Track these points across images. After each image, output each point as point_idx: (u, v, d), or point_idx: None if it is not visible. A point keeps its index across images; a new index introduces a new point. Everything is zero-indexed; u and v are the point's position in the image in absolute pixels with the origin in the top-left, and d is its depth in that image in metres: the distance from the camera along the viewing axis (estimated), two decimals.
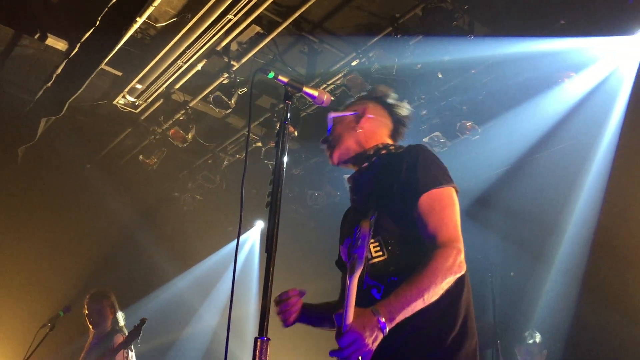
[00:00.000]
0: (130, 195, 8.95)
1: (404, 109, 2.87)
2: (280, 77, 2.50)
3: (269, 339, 2.03)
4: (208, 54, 6.44)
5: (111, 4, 5.22)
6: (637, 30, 5.30)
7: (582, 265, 6.18)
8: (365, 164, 2.67)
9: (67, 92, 6.37)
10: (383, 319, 2.11)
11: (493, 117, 6.50)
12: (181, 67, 6.52)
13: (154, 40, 6.42)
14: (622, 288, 5.96)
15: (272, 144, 7.58)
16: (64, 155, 8.10)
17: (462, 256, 2.28)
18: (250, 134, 6.68)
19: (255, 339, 2.01)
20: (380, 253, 2.43)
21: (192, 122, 7.53)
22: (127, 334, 5.69)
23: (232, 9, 5.61)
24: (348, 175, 2.77)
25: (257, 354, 1.99)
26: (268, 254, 2.14)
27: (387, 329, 2.11)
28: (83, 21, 5.55)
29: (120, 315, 5.99)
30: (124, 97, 7.09)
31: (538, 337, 6.03)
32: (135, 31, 6.07)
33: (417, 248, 2.33)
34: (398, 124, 2.85)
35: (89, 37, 5.61)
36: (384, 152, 2.66)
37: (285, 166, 2.33)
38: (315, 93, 2.58)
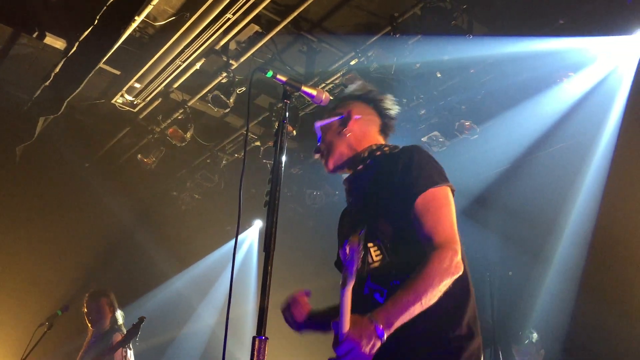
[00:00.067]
0: (128, 194, 8.95)
1: (389, 102, 2.83)
2: (278, 76, 2.50)
3: (267, 338, 2.02)
4: (207, 53, 6.43)
5: (110, 3, 5.21)
6: (636, 30, 5.30)
7: (581, 264, 6.18)
8: (361, 167, 2.65)
9: (66, 91, 6.37)
10: (381, 326, 2.10)
11: (492, 116, 6.50)
12: (180, 66, 6.51)
13: (152, 39, 6.41)
14: (621, 288, 5.96)
15: (271, 143, 7.57)
16: (62, 154, 8.09)
17: (458, 257, 2.27)
18: (249, 133, 6.67)
19: (254, 338, 2.01)
20: (381, 257, 2.41)
21: (190, 121, 7.52)
22: (125, 333, 5.70)
23: (230, 8, 5.60)
24: (344, 178, 2.75)
25: (255, 353, 1.99)
26: (266, 253, 2.14)
27: (386, 336, 2.10)
28: (81, 20, 5.54)
29: (119, 314, 6.00)
30: (122, 96, 7.08)
31: (535, 337, 6.03)
32: (134, 30, 6.06)
33: (416, 250, 2.32)
34: (385, 118, 2.82)
35: (87, 36, 5.60)
36: (378, 153, 2.64)
37: (283, 165, 2.33)
38: (313, 92, 2.57)
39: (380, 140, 2.77)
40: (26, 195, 8.16)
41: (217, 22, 5.78)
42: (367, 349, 2.07)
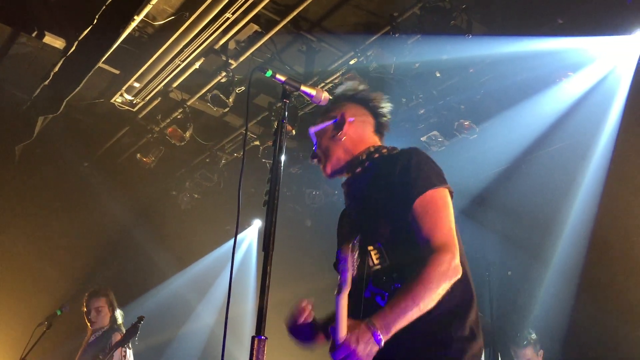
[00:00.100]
0: (127, 193, 8.95)
1: (381, 100, 2.81)
2: (278, 76, 2.49)
3: (266, 338, 2.02)
4: (206, 53, 6.43)
5: (109, 2, 5.20)
6: (635, 30, 5.31)
7: (579, 264, 6.18)
8: (359, 169, 2.64)
9: (65, 90, 6.36)
10: (378, 332, 2.10)
11: (491, 116, 6.50)
12: (179, 65, 6.51)
13: (151, 38, 6.41)
14: (619, 288, 5.97)
15: (270, 143, 7.58)
16: (61, 153, 8.09)
17: (456, 260, 2.26)
18: (248, 133, 6.67)
19: (253, 338, 2.01)
20: (382, 260, 2.40)
21: (189, 120, 7.52)
22: (124, 332, 5.70)
23: (230, 8, 5.60)
24: (343, 181, 2.74)
25: (254, 352, 1.99)
26: (265, 253, 2.14)
27: (383, 341, 2.10)
28: (81, 19, 5.54)
29: (118, 313, 6.00)
30: (121, 95, 7.08)
31: (534, 338, 6.02)
32: (133, 29, 6.07)
33: (417, 252, 2.31)
34: (379, 117, 2.80)
35: (86, 35, 5.60)
36: (376, 155, 2.63)
37: (282, 165, 2.33)
38: (313, 92, 2.57)
39: (377, 141, 2.75)
40: (25, 194, 8.16)
41: (216, 21, 5.77)
42: (363, 355, 2.07)
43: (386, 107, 2.82)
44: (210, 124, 8.13)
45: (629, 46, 5.48)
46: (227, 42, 6.35)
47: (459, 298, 2.35)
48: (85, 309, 5.96)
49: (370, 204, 2.54)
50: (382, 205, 2.47)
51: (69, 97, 6.42)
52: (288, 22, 6.02)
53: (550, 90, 5.94)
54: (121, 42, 6.06)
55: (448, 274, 2.23)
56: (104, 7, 5.28)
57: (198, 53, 6.33)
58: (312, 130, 2.78)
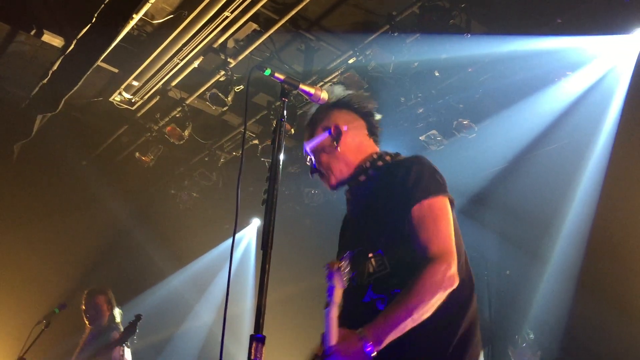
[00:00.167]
0: (126, 192, 8.95)
1: (364, 99, 2.79)
2: (276, 74, 2.48)
3: (264, 337, 2.02)
4: (205, 51, 6.43)
5: (108, 1, 5.20)
6: (634, 29, 5.31)
7: (578, 263, 6.18)
8: (363, 178, 2.61)
9: (63, 88, 6.36)
10: (370, 343, 2.09)
11: (490, 115, 6.50)
12: (178, 64, 6.51)
13: (150, 37, 6.41)
14: (618, 286, 5.97)
15: (269, 142, 7.58)
16: (60, 152, 8.08)
17: (452, 270, 2.22)
18: (247, 132, 6.67)
19: (251, 336, 2.01)
20: (382, 267, 2.39)
21: (188, 119, 7.52)
22: (122, 331, 5.70)
23: (228, 6, 5.60)
24: (346, 189, 2.72)
25: (253, 351, 1.98)
26: (264, 251, 2.13)
27: (375, 352, 2.09)
28: (79, 18, 5.53)
29: (117, 312, 6.00)
30: (120, 94, 7.08)
31: (532, 338, 6.03)
32: (132, 28, 6.06)
33: (415, 259, 2.29)
34: (368, 117, 2.77)
35: (85, 33, 5.59)
36: (380, 163, 2.61)
37: (281, 163, 2.32)
38: (311, 90, 2.56)
39: (374, 146, 2.74)
40: (23, 193, 8.15)
41: (215, 20, 5.77)
42: None
43: (372, 105, 2.80)
44: (209, 123, 8.12)
45: (627, 45, 5.49)
46: (226, 41, 6.36)
47: (462, 306, 2.34)
48: (83, 307, 5.96)
49: (372, 211, 2.52)
50: (383, 213, 2.46)
51: (68, 95, 6.42)
52: (287, 21, 6.02)
53: (549, 89, 5.94)
54: (120, 41, 6.06)
55: (443, 284, 2.20)
56: (103, 5, 5.28)
57: (197, 52, 6.33)
58: (308, 147, 2.72)
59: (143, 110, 7.60)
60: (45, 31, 5.92)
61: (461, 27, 5.65)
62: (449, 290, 2.22)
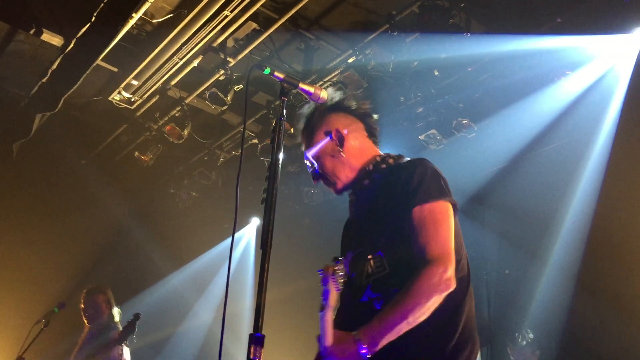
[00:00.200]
0: (125, 191, 8.94)
1: (359, 100, 2.77)
2: (276, 73, 2.48)
3: (263, 335, 2.02)
4: (204, 51, 6.43)
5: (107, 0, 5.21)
6: (634, 29, 5.31)
7: (577, 263, 6.18)
8: (367, 181, 2.61)
9: (63, 88, 6.35)
10: (364, 345, 2.09)
11: (489, 114, 6.50)
12: (177, 63, 6.50)
13: (150, 36, 6.40)
14: (617, 286, 5.97)
15: (268, 141, 7.57)
16: (59, 151, 8.07)
17: (448, 273, 2.22)
18: (246, 131, 6.66)
19: (250, 335, 2.00)
20: (382, 268, 2.39)
21: (187, 118, 7.51)
22: (121, 330, 5.69)
23: (228, 6, 5.59)
24: (350, 191, 2.71)
25: (252, 350, 1.98)
26: (263, 251, 2.13)
27: (369, 355, 2.09)
28: (79, 17, 5.53)
29: (115, 311, 6.00)
30: (119, 93, 7.07)
31: (531, 337, 6.03)
32: (131, 27, 6.05)
33: (414, 261, 2.29)
34: (366, 118, 2.77)
35: (84, 32, 5.59)
36: (383, 166, 2.61)
37: (281, 163, 2.32)
38: (311, 89, 2.56)
39: (374, 147, 2.73)
40: (23, 192, 8.15)
41: (214, 19, 5.77)
42: None
43: (367, 105, 2.79)
44: (208, 122, 8.12)
45: (627, 45, 5.48)
46: (225, 40, 6.35)
47: (457, 306, 2.34)
48: (82, 306, 5.96)
49: (374, 213, 2.52)
50: (385, 215, 2.46)
51: (67, 94, 6.41)
52: (286, 20, 6.01)
53: (548, 88, 5.94)
54: (119, 40, 6.05)
55: (440, 287, 2.19)
56: (102, 4, 5.28)
57: (196, 51, 6.32)
58: (310, 154, 2.70)
59: (142, 110, 7.59)
60: (44, 30, 5.92)
61: (461, 26, 5.64)
62: (445, 293, 2.22)
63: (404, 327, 2.14)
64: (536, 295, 6.55)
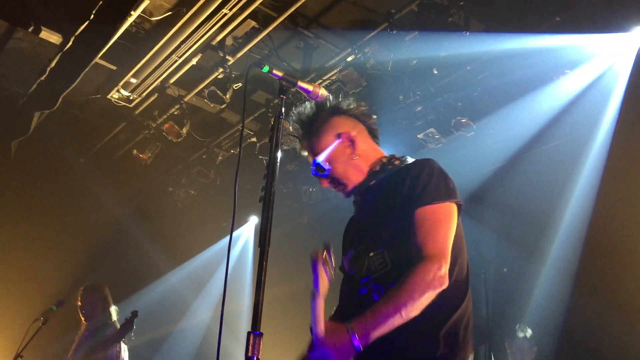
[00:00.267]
0: (124, 189, 8.94)
1: (357, 103, 2.76)
2: (275, 71, 2.47)
3: (261, 334, 2.02)
4: (203, 49, 6.42)
5: None
6: (633, 28, 5.31)
7: (575, 261, 6.19)
8: (373, 181, 2.61)
9: (61, 86, 6.35)
10: (357, 337, 2.10)
11: (488, 113, 6.50)
12: (176, 61, 6.50)
13: (148, 34, 6.40)
14: (615, 285, 5.98)
15: (267, 140, 7.57)
16: (57, 149, 8.07)
17: (442, 271, 2.23)
18: (245, 129, 6.65)
19: (248, 333, 2.01)
20: (384, 264, 2.40)
21: (186, 116, 7.51)
22: (119, 328, 5.69)
23: (227, 4, 5.59)
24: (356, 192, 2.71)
25: (250, 348, 1.99)
26: (261, 249, 2.13)
27: (362, 346, 2.10)
28: (77, 15, 5.53)
29: (113, 309, 5.99)
30: (118, 91, 7.07)
31: (529, 333, 6.05)
32: (130, 25, 6.05)
33: (412, 257, 2.31)
34: (367, 120, 2.76)
35: (83, 30, 5.59)
36: (389, 167, 2.61)
37: (279, 161, 2.32)
38: (310, 88, 2.56)
39: (378, 149, 2.73)
40: (21, 190, 8.14)
41: (213, 17, 5.77)
42: (340, 357, 2.08)
43: (365, 107, 2.78)
44: (207, 121, 8.12)
45: (626, 43, 5.49)
46: (224, 38, 6.35)
47: (451, 307, 2.35)
48: (79, 304, 5.95)
49: (378, 213, 2.53)
50: (389, 213, 2.47)
51: (66, 92, 6.41)
52: (285, 18, 6.01)
53: (547, 87, 5.95)
54: (118, 38, 6.04)
55: (433, 283, 2.20)
56: (101, 2, 5.28)
57: (195, 49, 6.32)
58: (321, 160, 2.64)
59: (141, 108, 7.59)
60: (43, 28, 5.91)
61: (460, 24, 5.64)
62: (439, 290, 2.23)
63: (397, 321, 2.15)
64: (534, 294, 6.56)
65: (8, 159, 7.48)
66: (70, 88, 6.36)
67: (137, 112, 7.70)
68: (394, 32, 5.85)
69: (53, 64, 6.12)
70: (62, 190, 8.50)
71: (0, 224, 7.78)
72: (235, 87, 6.79)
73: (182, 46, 6.21)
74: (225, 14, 5.74)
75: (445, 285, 2.24)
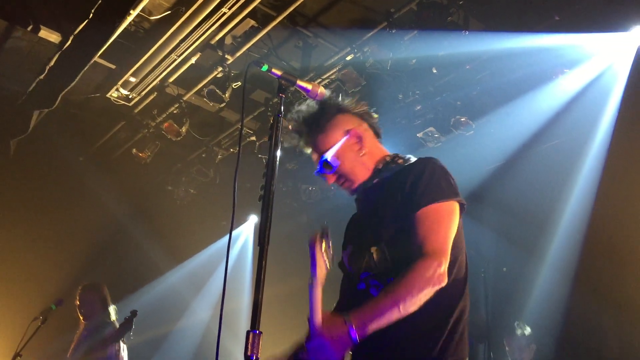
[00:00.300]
0: (123, 188, 8.93)
1: (360, 102, 2.77)
2: (274, 70, 2.48)
3: (261, 332, 2.02)
4: (202, 48, 6.42)
5: None
6: (632, 27, 5.31)
7: (574, 260, 6.20)
8: (376, 179, 2.61)
9: (60, 84, 6.35)
10: (354, 328, 2.10)
11: (487, 112, 6.50)
12: (175, 60, 6.50)
13: (147, 33, 6.39)
14: (614, 284, 5.98)
15: (266, 139, 7.57)
16: (56, 148, 8.07)
17: (442, 269, 2.24)
18: (244, 128, 6.64)
19: (248, 332, 2.01)
20: (383, 260, 2.41)
21: (186, 115, 7.51)
22: (118, 327, 5.69)
23: (226, 3, 5.59)
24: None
25: (249, 347, 1.99)
26: (260, 248, 2.13)
27: (358, 338, 2.10)
28: (76, 13, 5.52)
29: (112, 309, 5.99)
30: (117, 90, 7.06)
31: (527, 331, 6.05)
32: (129, 24, 6.04)
33: (412, 254, 2.31)
34: (370, 119, 2.76)
35: (82, 29, 5.58)
36: (393, 165, 2.62)
37: (278, 160, 2.32)
38: (309, 86, 2.56)
39: (382, 147, 2.74)
40: (20, 189, 8.13)
41: (212, 16, 5.76)
42: (335, 348, 2.09)
43: (367, 106, 2.79)
44: (206, 119, 8.11)
45: (625, 43, 5.49)
46: (223, 37, 6.34)
47: (449, 307, 2.36)
48: (78, 303, 5.95)
49: (380, 210, 2.53)
50: (391, 210, 2.47)
51: (65, 91, 6.41)
52: (284, 17, 6.00)
53: (546, 86, 5.95)
54: (117, 37, 6.04)
55: (432, 280, 2.21)
56: (100, 1, 5.27)
57: (194, 48, 6.32)
58: (330, 156, 2.62)
59: (140, 107, 7.59)
60: (42, 27, 5.91)
61: (459, 24, 5.64)
62: (437, 287, 2.23)
63: (394, 315, 2.16)
64: (533, 293, 6.56)
65: (7, 157, 7.47)
66: (70, 87, 6.36)
67: (136, 111, 7.70)
68: (393, 31, 5.85)
69: (52, 63, 6.11)
70: (61, 189, 8.49)
71: None
72: (235, 86, 6.78)
73: (181, 45, 6.21)
74: (225, 13, 5.74)
75: (444, 283, 2.25)
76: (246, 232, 9.85)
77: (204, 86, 6.91)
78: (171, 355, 8.99)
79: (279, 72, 2.48)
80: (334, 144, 2.62)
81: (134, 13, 5.71)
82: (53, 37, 6.02)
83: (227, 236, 2.36)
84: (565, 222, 6.33)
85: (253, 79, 7.18)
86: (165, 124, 7.55)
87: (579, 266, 6.18)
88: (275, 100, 7.13)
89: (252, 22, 6.09)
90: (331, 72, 6.59)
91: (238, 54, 6.51)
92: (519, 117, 6.29)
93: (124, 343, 5.77)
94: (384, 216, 2.49)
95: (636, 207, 5.98)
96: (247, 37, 6.35)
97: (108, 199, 8.62)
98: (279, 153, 2.33)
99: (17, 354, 5.48)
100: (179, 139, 7.68)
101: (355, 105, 2.74)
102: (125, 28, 6.00)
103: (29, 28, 5.92)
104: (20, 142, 7.39)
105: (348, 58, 6.38)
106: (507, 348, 6.10)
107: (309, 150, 2.75)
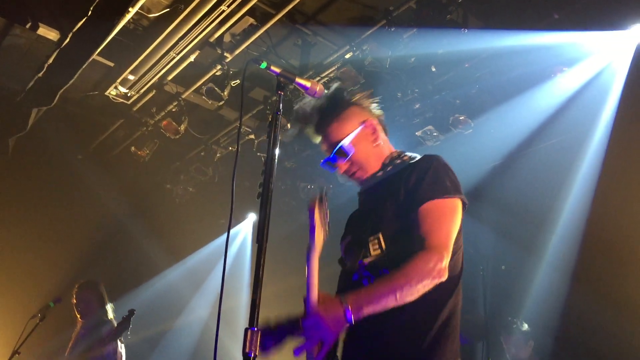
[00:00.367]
0: (121, 186, 8.93)
1: (372, 98, 2.81)
2: (272, 68, 2.49)
3: (259, 330, 2.03)
4: (201, 46, 6.41)
5: None
6: (630, 25, 5.31)
7: (573, 259, 6.20)
8: (381, 173, 2.65)
9: (59, 82, 6.34)
10: (350, 309, 2.12)
11: (486, 111, 6.50)
12: (174, 58, 6.49)
13: (146, 30, 6.38)
14: (613, 282, 5.99)
15: (265, 137, 7.56)
16: (55, 146, 8.06)
17: (443, 263, 2.26)
18: (243, 126, 6.64)
19: (246, 330, 2.01)
20: (379, 251, 2.43)
21: (184, 113, 7.50)
22: (116, 326, 5.69)
23: (225, 0, 5.58)
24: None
25: (248, 344, 1.99)
26: (259, 245, 2.14)
27: (353, 319, 2.12)
28: (75, 11, 5.51)
29: (109, 307, 5.99)
30: (116, 88, 7.05)
31: (525, 327, 6.06)
32: (128, 21, 6.03)
33: (413, 248, 2.33)
34: (379, 115, 2.80)
35: (80, 27, 5.57)
36: (398, 161, 2.65)
37: (277, 158, 2.33)
38: (307, 84, 2.56)
39: (390, 144, 2.77)
40: (18, 187, 8.13)
41: (211, 14, 5.75)
42: (331, 327, 2.10)
43: (375, 103, 2.82)
44: (205, 117, 8.11)
45: (624, 41, 5.49)
46: (222, 35, 6.33)
47: (441, 300, 2.38)
48: (74, 301, 5.94)
49: (381, 203, 2.55)
50: (392, 205, 2.49)
51: (63, 89, 6.40)
52: (283, 15, 5.99)
53: (545, 85, 5.95)
54: (116, 34, 6.03)
55: (432, 273, 2.23)
56: None
57: (193, 46, 6.31)
58: (346, 144, 2.62)
59: (139, 105, 7.58)
60: (40, 24, 5.90)
61: (458, 22, 5.64)
62: (436, 281, 2.25)
63: (390, 302, 2.17)
64: (532, 291, 6.57)
65: (5, 155, 7.46)
66: (68, 85, 6.35)
67: (134, 108, 7.69)
68: (392, 29, 5.84)
69: (50, 61, 6.10)
70: (59, 187, 8.49)
71: None
72: (233, 84, 6.77)
73: (180, 43, 6.20)
74: (223, 11, 5.73)
75: (444, 278, 2.27)
76: (245, 230, 9.85)
77: (203, 84, 6.91)
78: (170, 353, 8.99)
79: (277, 70, 2.49)
80: (350, 133, 2.64)
81: (132, 11, 5.70)
82: (52, 34, 6.02)
83: (226, 234, 2.36)
84: (564, 221, 6.34)
85: (252, 77, 7.18)
86: (164, 122, 7.54)
87: (578, 264, 6.19)
88: (274, 98, 7.10)
89: (251, 20, 6.09)
90: (330, 70, 6.59)
91: (237, 52, 6.51)
92: (518, 115, 6.29)
93: (122, 342, 5.77)
94: (385, 210, 2.50)
95: (635, 205, 5.99)
96: (246, 35, 6.34)
97: (106, 197, 8.62)
98: (277, 151, 2.34)
99: (16, 352, 5.48)
100: (177, 137, 7.67)
101: (366, 100, 2.78)
102: (124, 26, 5.99)
103: (28, 25, 5.91)
104: (19, 139, 7.38)
105: (347, 56, 6.38)
106: (504, 346, 6.11)
107: (317, 139, 2.74)
